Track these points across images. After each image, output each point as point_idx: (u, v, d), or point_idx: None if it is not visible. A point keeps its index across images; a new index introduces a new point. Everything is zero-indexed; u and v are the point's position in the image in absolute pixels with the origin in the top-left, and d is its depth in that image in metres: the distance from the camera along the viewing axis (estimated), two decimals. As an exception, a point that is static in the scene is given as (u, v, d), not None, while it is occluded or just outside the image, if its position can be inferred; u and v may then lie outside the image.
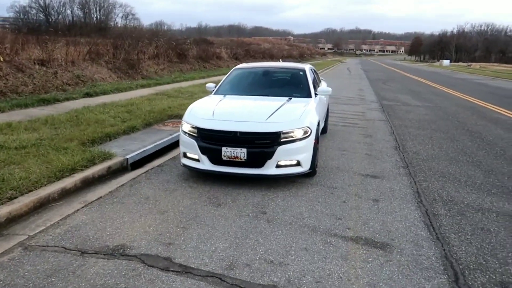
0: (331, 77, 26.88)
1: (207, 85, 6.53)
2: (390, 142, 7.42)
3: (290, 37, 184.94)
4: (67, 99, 9.78)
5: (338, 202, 4.42)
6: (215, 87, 6.34)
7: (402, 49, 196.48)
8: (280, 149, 4.62)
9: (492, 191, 4.92)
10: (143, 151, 6.14)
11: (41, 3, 70.37)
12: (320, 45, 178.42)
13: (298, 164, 4.78)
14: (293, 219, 3.95)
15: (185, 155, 5.06)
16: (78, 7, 76.09)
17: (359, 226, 3.83)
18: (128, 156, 5.74)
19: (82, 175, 4.83)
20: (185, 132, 5.03)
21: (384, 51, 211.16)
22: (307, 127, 4.81)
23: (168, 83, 15.07)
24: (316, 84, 6.85)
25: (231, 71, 6.70)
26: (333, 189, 4.83)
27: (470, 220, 4.02)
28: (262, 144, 4.65)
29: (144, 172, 5.35)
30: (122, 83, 13.10)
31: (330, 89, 6.04)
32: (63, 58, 12.18)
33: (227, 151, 4.66)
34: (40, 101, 9.06)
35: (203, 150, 4.80)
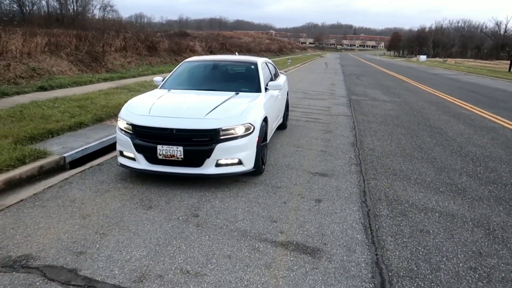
0: (306, 72, 26.74)
1: (155, 78, 6.22)
2: (348, 138, 7.25)
3: (271, 31, 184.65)
4: (18, 93, 9.26)
5: (278, 203, 4.19)
6: (162, 80, 6.03)
7: (382, 44, 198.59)
8: (219, 147, 4.36)
9: (441, 189, 4.78)
10: (85, 148, 5.79)
11: (14, -7, 67.67)
12: (302, 40, 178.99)
13: (240, 162, 4.53)
14: (225, 222, 3.70)
15: (121, 154, 4.74)
16: (54, -3, 73.47)
17: (293, 229, 3.61)
18: (66, 155, 5.38)
19: (6, 176, 4.45)
20: (121, 129, 4.71)
21: (364, 46, 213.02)
22: (249, 123, 4.56)
23: (134, 76, 14.58)
24: (272, 78, 6.61)
25: (180, 64, 6.39)
26: (277, 188, 4.60)
27: (411, 221, 3.86)
28: (200, 142, 4.38)
29: (80, 172, 5.01)
30: (82, 76, 12.57)
31: (282, 83, 5.80)
32: (18, 50, 11.57)
33: (162, 150, 4.37)
34: (-10, 94, 8.53)
35: (139, 149, 4.50)
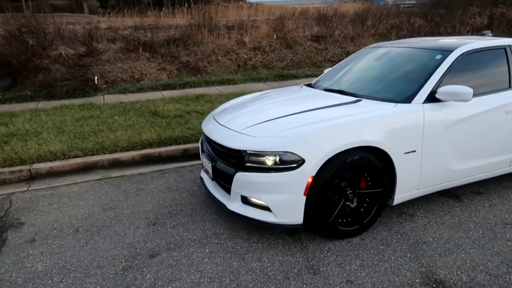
0: None
1: (325, 70, 4.87)
2: None
3: None
4: (307, 76, 9.81)
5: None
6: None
7: None
8: (239, 176, 2.98)
9: None
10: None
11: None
12: None
13: (267, 208, 2.91)
14: None
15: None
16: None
17: None
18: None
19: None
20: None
21: None
22: (291, 152, 2.76)
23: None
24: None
25: (360, 51, 4.59)
26: None
27: None
28: (228, 161, 3.19)
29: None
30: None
31: (469, 90, 2.96)
32: (341, 34, 12.07)
33: (203, 162, 3.54)
34: (276, 76, 9.59)
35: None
